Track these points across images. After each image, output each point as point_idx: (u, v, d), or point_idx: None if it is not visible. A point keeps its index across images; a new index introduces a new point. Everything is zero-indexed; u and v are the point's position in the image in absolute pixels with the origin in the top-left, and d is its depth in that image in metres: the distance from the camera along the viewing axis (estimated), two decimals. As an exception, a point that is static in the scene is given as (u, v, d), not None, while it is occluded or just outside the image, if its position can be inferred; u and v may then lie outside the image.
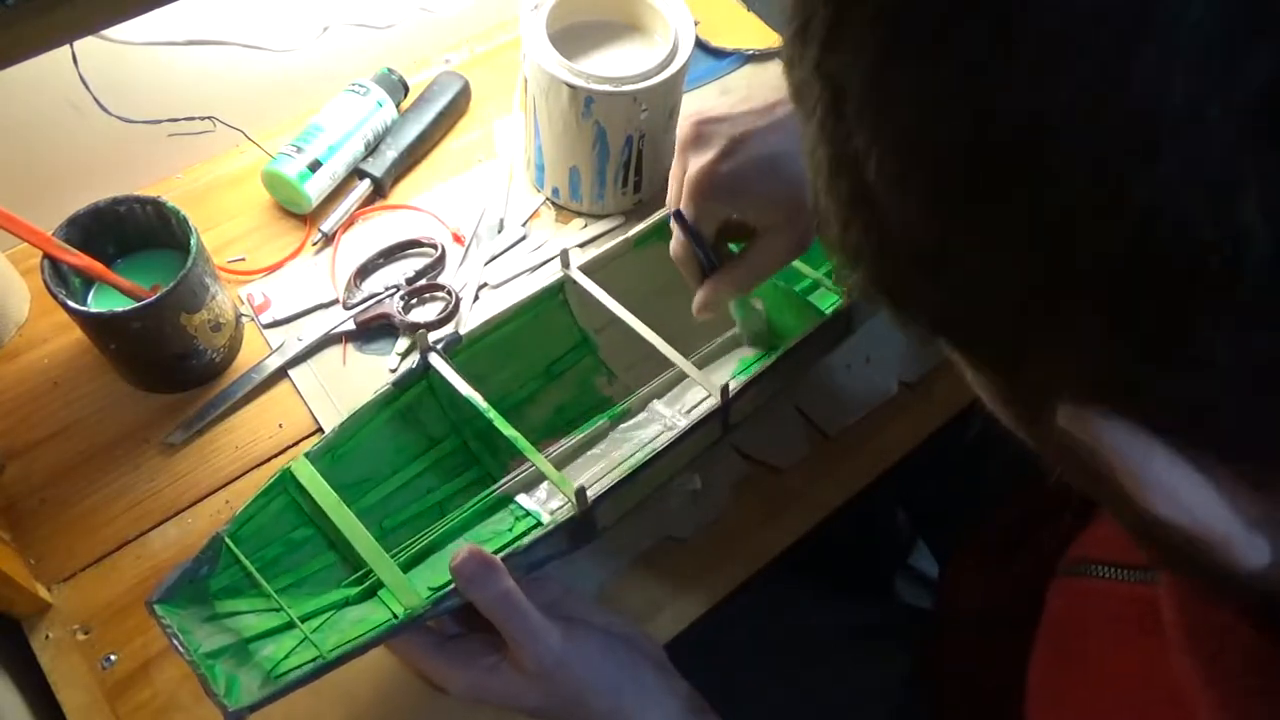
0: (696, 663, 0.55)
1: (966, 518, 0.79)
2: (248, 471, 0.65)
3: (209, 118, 0.75)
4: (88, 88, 0.67)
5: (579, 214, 0.79)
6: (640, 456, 0.56)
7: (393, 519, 0.60)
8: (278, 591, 0.52)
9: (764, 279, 0.59)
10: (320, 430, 0.67)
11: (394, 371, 0.69)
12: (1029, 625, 0.49)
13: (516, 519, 0.62)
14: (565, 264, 0.64)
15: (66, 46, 0.64)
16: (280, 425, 0.67)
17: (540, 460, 0.55)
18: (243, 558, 0.52)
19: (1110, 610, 0.43)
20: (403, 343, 0.71)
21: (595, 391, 0.68)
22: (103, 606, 0.60)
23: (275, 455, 0.66)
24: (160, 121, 0.74)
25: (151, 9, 0.50)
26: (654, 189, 0.78)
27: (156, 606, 0.49)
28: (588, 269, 0.65)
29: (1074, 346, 0.21)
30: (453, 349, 0.61)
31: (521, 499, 0.62)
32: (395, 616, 0.52)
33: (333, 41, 0.82)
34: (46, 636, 0.59)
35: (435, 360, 0.59)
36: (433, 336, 0.61)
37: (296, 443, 0.67)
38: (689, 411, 0.65)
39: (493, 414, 0.57)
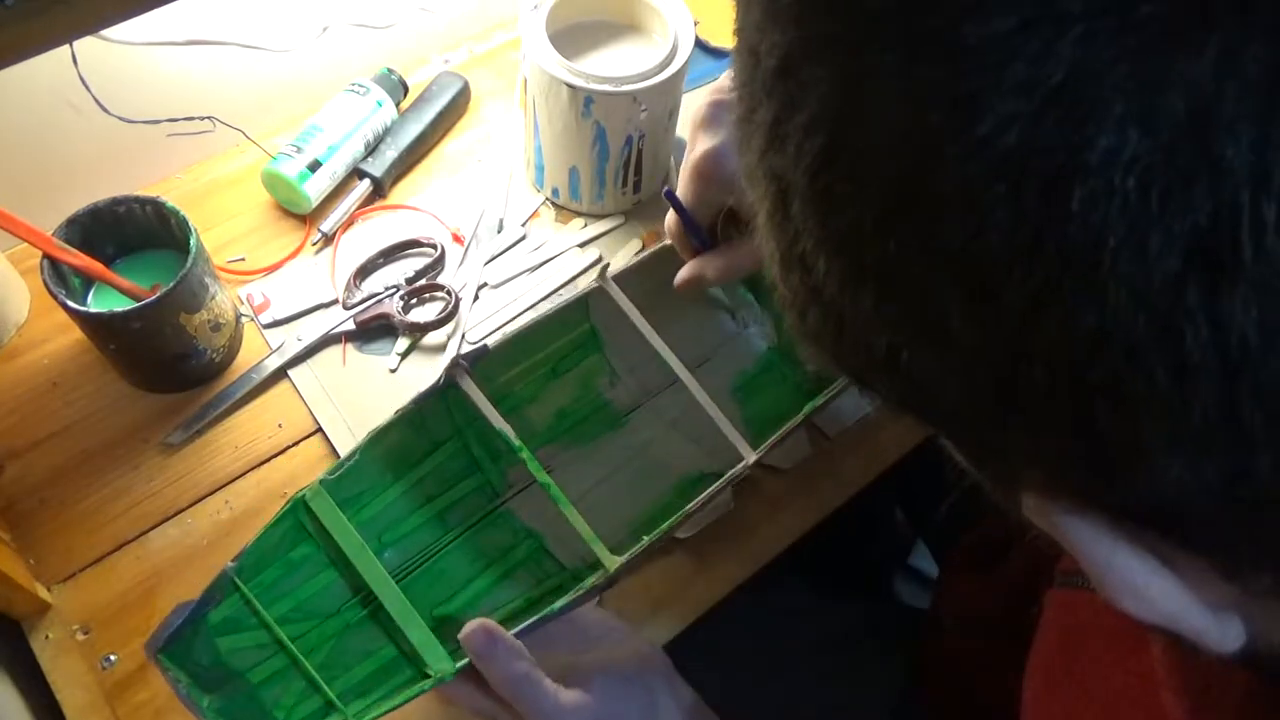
0: (696, 663, 0.54)
1: (965, 518, 0.78)
2: (247, 472, 0.65)
3: (209, 118, 0.75)
4: (87, 88, 0.67)
5: (578, 214, 0.79)
6: (670, 519, 0.56)
7: (392, 532, 0.59)
8: (278, 619, 0.52)
9: (743, 275, 0.60)
10: (320, 430, 0.67)
11: (394, 371, 0.69)
12: (1022, 633, 0.48)
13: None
14: (603, 276, 0.63)
15: (66, 46, 0.64)
16: (280, 425, 0.67)
17: (582, 525, 0.54)
18: (243, 586, 0.51)
19: (1106, 624, 0.42)
20: (402, 343, 0.71)
21: (598, 394, 0.68)
22: (102, 606, 0.60)
23: (275, 455, 0.66)
24: (160, 121, 0.74)
25: (151, 9, 0.50)
26: (654, 189, 0.78)
27: (162, 657, 0.48)
28: (617, 278, 0.64)
29: (1030, 454, 0.21)
30: (478, 363, 0.59)
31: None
32: (400, 650, 0.53)
33: (332, 41, 0.82)
34: (46, 636, 0.59)
35: (467, 386, 0.57)
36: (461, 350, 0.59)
37: (296, 443, 0.67)
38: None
39: (525, 453, 0.56)
